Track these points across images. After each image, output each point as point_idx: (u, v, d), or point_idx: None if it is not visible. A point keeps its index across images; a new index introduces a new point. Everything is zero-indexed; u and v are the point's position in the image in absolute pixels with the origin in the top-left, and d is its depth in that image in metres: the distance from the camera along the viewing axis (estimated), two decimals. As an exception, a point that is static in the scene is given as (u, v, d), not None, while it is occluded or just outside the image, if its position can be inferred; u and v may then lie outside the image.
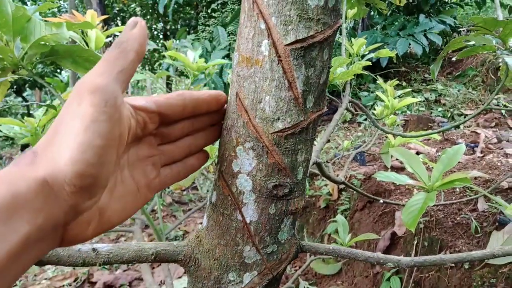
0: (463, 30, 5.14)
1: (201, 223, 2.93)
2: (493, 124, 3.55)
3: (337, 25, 0.39)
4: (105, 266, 2.54)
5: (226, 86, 3.85)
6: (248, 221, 0.41)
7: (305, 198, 0.45)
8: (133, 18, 0.30)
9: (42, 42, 0.75)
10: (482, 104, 3.94)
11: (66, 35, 0.83)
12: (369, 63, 1.21)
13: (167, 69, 4.15)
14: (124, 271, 2.62)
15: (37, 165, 0.25)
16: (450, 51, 1.11)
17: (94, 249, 0.40)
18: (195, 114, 0.39)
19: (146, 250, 0.42)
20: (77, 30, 1.07)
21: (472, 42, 1.10)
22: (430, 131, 1.32)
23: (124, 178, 0.32)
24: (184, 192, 4.29)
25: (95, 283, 2.42)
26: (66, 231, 0.27)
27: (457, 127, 2.83)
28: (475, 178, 1.54)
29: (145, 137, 0.35)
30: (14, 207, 0.22)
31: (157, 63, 6.86)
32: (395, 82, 1.64)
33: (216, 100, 0.39)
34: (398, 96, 1.56)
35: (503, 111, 3.79)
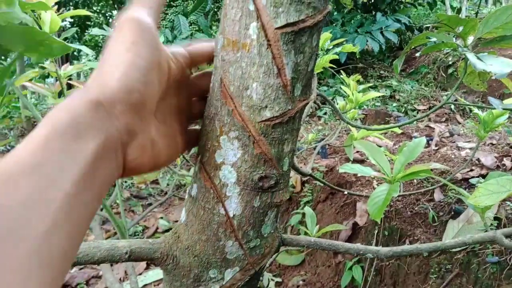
0: (418, 29, 5.36)
1: (162, 217, 2.85)
2: (443, 119, 3.76)
3: (326, 10, 0.37)
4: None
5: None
6: (231, 215, 0.39)
7: (289, 190, 0.43)
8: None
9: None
10: (434, 100, 4.15)
11: (19, 15, 0.75)
12: (336, 57, 1.22)
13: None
14: (80, 269, 2.49)
15: (90, 90, 0.27)
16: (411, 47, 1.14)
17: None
18: None
19: (120, 248, 0.39)
20: (29, 12, 0.98)
21: (434, 39, 1.14)
22: (392, 124, 1.36)
23: (166, 120, 0.35)
24: (143, 186, 4.16)
25: (48, 282, 2.28)
26: (126, 156, 0.29)
27: (417, 121, 2.96)
28: (431, 169, 1.61)
29: (183, 87, 0.37)
30: (77, 128, 0.24)
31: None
32: (358, 77, 1.67)
33: None
34: (358, 91, 1.60)
35: (452, 107, 4.02)
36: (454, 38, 1.16)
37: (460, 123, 3.47)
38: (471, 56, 0.95)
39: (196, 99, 0.40)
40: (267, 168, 0.38)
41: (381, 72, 5.23)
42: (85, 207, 0.24)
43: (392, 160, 1.42)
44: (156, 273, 2.25)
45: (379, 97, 4.47)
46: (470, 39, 1.16)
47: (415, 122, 3.35)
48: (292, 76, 0.36)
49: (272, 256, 0.44)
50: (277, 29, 0.34)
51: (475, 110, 1.41)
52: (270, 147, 0.38)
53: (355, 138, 1.57)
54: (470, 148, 1.89)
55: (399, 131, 1.85)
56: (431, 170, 1.63)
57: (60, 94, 1.38)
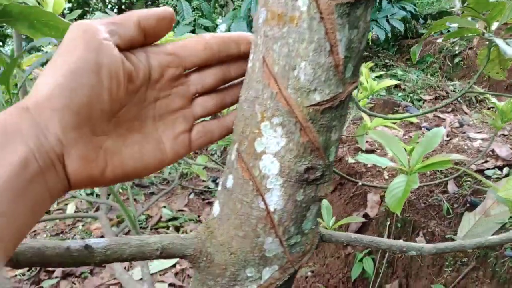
0: (423, 17, 5.28)
1: (164, 207, 2.81)
2: (449, 109, 3.72)
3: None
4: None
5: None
6: (272, 210, 0.36)
7: (332, 183, 0.39)
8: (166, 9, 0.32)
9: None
10: (440, 90, 4.10)
11: (23, -6, 0.71)
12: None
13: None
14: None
15: (26, 99, 0.25)
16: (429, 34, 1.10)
17: (87, 246, 0.32)
18: (225, 59, 0.36)
19: (151, 245, 0.35)
20: (33, -9, 0.94)
21: (454, 25, 1.09)
22: (408, 114, 1.32)
23: (144, 126, 0.32)
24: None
25: (52, 271, 2.26)
26: (65, 167, 0.27)
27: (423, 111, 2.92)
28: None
29: (176, 87, 0.34)
30: (5, 134, 0.23)
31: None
32: (370, 64, 1.63)
33: (246, 41, 0.35)
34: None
35: (458, 98, 3.97)
36: (476, 24, 1.11)
37: (466, 114, 3.43)
38: (500, 42, 0.91)
39: (199, 96, 0.36)
40: (314, 158, 0.34)
41: (386, 61, 5.16)
42: (12, 219, 0.22)
43: (405, 150, 1.38)
44: (161, 263, 2.23)
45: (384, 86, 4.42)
46: (494, 25, 1.11)
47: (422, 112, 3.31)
48: (345, 54, 0.32)
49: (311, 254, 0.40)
50: (331, 0, 0.30)
51: (493, 100, 1.37)
52: (317, 135, 0.34)
53: (368, 127, 1.53)
54: (482, 139, 1.86)
55: (411, 120, 1.81)
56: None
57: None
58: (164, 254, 0.36)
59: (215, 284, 0.38)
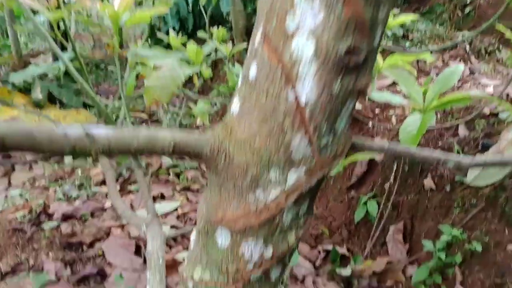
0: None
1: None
2: (458, 60, 3.60)
3: None
4: (62, 197, 2.38)
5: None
6: (303, 102, 0.31)
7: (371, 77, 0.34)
8: None
9: None
10: (449, 40, 3.96)
11: None
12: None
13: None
14: (84, 202, 2.47)
15: None
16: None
17: (88, 134, 0.28)
18: None
19: (161, 138, 0.30)
20: None
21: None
22: (424, 49, 1.24)
23: None
24: (143, 125, 4.08)
25: (52, 214, 2.26)
26: None
27: (435, 57, 2.81)
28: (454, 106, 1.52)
29: None
30: None
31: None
32: None
33: None
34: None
35: (467, 48, 3.84)
36: None
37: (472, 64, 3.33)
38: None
39: None
40: (357, 37, 0.29)
41: (395, 10, 4.94)
42: None
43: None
44: (163, 206, 2.24)
45: (392, 36, 4.26)
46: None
47: (434, 58, 3.20)
48: None
49: (341, 160, 0.36)
50: None
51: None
52: (364, 8, 0.28)
53: (379, 68, 1.46)
54: (494, 85, 1.79)
55: (425, 58, 1.73)
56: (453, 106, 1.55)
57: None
58: (177, 150, 0.31)
59: (234, 188, 0.33)
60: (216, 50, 0.95)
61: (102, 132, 0.28)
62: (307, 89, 0.30)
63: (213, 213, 0.34)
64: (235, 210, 0.33)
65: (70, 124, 0.27)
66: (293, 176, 0.33)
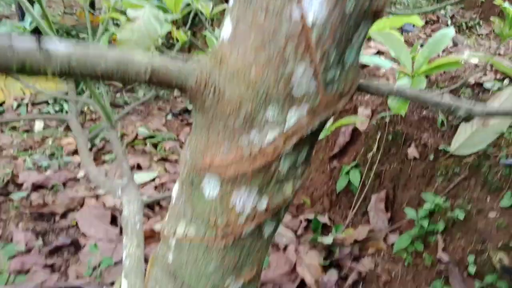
0: None
1: (141, 126, 2.67)
2: (439, 34, 3.60)
3: None
4: (32, 166, 2.25)
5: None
6: (310, 22, 0.25)
7: (387, -2, 0.29)
8: None
9: None
10: (431, 14, 3.95)
11: None
12: None
13: None
14: (55, 172, 2.36)
15: None
16: None
17: (41, 48, 0.21)
18: None
19: (136, 63, 0.25)
20: None
21: None
22: (411, 11, 1.20)
23: None
24: (118, 95, 3.93)
25: (21, 184, 2.14)
26: None
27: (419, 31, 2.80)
28: (441, 74, 1.51)
29: None
30: None
31: None
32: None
33: None
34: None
35: (449, 22, 3.85)
36: None
37: (456, 39, 3.33)
38: None
39: None
40: None
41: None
42: None
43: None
44: (140, 176, 2.17)
45: (374, 8, 4.20)
46: None
47: (418, 32, 3.19)
48: None
49: (348, 101, 0.31)
50: None
51: (505, 4, 1.26)
52: None
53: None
54: (478, 57, 1.78)
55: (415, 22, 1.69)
56: (440, 74, 1.53)
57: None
58: (155, 79, 0.25)
59: (225, 129, 0.28)
60: (195, 15, 0.87)
61: (60, 47, 0.22)
62: (315, 4, 0.25)
63: (199, 159, 0.29)
64: (225, 154, 0.28)
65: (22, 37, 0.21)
66: (294, 116, 0.29)
